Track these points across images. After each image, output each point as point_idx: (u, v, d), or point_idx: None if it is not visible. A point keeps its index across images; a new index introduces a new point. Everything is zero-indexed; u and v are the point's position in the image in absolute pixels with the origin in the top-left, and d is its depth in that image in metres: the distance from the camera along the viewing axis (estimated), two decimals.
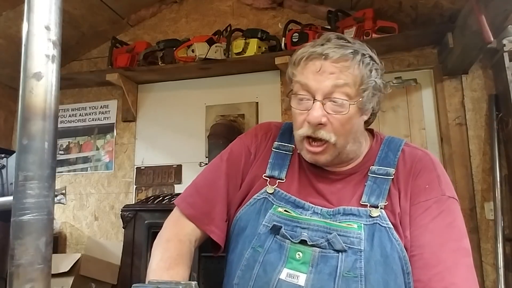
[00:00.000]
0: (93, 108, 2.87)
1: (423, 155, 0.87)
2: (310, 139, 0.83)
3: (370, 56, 0.82)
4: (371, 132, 0.94)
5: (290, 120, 0.90)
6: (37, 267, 0.34)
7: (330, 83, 0.78)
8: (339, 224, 0.80)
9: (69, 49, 2.78)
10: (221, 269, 0.94)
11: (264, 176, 0.90)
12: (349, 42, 0.82)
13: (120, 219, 2.17)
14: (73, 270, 2.13)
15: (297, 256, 0.79)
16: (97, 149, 2.80)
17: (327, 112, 0.79)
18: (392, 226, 0.79)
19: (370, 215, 0.80)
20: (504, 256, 1.93)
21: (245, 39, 2.39)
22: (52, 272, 0.38)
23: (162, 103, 2.73)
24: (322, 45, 0.80)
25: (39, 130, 0.36)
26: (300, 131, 0.83)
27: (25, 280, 0.34)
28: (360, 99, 0.81)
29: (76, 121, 2.88)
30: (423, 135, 2.28)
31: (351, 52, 0.79)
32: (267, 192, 0.88)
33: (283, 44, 2.32)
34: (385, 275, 0.76)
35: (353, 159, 0.88)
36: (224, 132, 2.34)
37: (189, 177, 2.54)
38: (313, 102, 0.80)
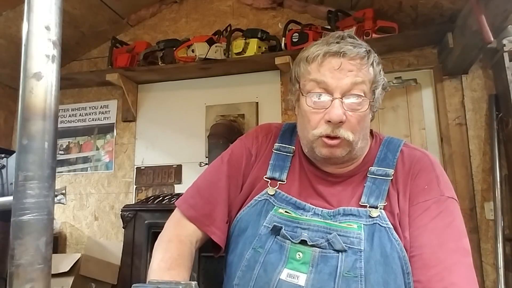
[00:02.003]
0: (93, 108, 2.87)
1: (421, 156, 0.87)
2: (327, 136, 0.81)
3: (376, 55, 0.84)
4: (370, 132, 0.94)
5: (291, 120, 0.89)
6: (37, 267, 0.34)
7: (349, 81, 0.78)
8: (339, 224, 0.80)
9: (69, 49, 2.78)
10: (221, 269, 0.94)
11: (265, 177, 0.90)
12: (358, 41, 0.83)
13: (120, 219, 2.17)
14: (73, 270, 2.13)
15: (297, 256, 0.79)
16: (97, 149, 2.80)
17: (345, 110, 0.79)
18: (391, 226, 0.79)
19: (369, 215, 0.80)
20: (504, 256, 1.93)
21: (245, 39, 2.39)
22: (52, 272, 0.38)
23: (162, 103, 2.73)
24: (338, 43, 0.80)
25: (39, 130, 0.36)
26: (317, 131, 0.81)
27: (25, 280, 0.34)
28: (373, 97, 0.82)
29: (76, 121, 2.88)
30: (423, 135, 2.28)
31: (365, 50, 0.81)
32: (268, 194, 0.88)
33: (283, 44, 2.32)
34: (385, 275, 0.75)
35: (356, 159, 0.88)
36: (224, 132, 2.34)
37: (189, 177, 2.55)
38: (332, 100, 0.79)
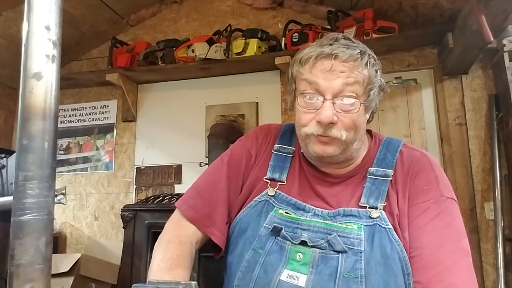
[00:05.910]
0: (93, 108, 2.87)
1: (421, 156, 0.87)
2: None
3: (374, 57, 0.84)
4: (369, 133, 0.94)
5: (290, 120, 0.89)
6: (37, 267, 0.34)
7: (341, 82, 0.78)
8: (339, 225, 0.80)
9: (69, 49, 2.78)
10: (221, 270, 0.94)
11: (265, 178, 0.90)
12: (353, 42, 0.83)
13: (120, 219, 2.17)
14: (73, 270, 2.13)
15: (298, 257, 0.79)
16: (97, 149, 2.80)
17: (336, 111, 0.79)
18: (392, 227, 0.79)
19: (370, 216, 0.80)
20: (504, 256, 1.93)
21: (245, 39, 2.39)
22: (52, 272, 0.38)
23: (162, 103, 2.73)
24: (331, 45, 0.80)
25: (39, 130, 0.36)
26: (307, 129, 0.81)
27: (25, 280, 0.34)
28: (367, 98, 0.82)
29: (76, 121, 2.88)
30: (423, 135, 2.28)
31: (359, 52, 0.80)
32: (268, 195, 0.88)
33: (283, 44, 2.32)
34: (385, 276, 0.75)
35: (353, 160, 0.88)
36: (224, 132, 2.34)
37: (189, 177, 2.55)
38: (323, 102, 0.79)
